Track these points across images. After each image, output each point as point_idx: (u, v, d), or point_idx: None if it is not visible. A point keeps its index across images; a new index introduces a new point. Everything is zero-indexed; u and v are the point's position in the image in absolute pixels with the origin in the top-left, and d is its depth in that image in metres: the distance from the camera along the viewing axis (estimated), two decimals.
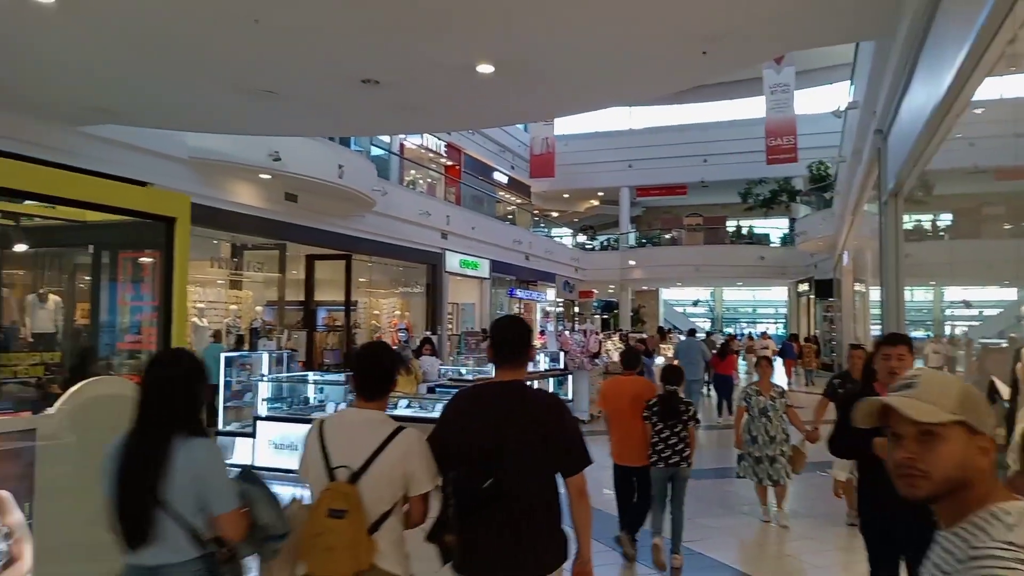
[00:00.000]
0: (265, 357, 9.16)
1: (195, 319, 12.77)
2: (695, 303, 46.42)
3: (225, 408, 8.82)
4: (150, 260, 5.07)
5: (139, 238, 5.13)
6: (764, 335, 25.67)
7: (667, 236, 33.28)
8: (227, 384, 9.11)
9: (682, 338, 17.17)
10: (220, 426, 8.68)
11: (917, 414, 1.38)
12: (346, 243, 15.69)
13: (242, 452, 8.37)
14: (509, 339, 2.90)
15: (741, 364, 20.19)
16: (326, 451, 2.67)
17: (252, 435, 8.28)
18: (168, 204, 4.68)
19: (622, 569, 5.70)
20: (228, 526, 2.49)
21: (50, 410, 4.21)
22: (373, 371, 2.82)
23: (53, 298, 7.69)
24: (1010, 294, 8.15)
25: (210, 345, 11.74)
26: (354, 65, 7.07)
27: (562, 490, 2.78)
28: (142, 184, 4.60)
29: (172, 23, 6.01)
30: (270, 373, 9.25)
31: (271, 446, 8.13)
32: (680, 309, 45.50)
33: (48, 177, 4.12)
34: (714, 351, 15.43)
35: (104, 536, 4.33)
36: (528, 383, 3.06)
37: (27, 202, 4.55)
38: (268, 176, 12.62)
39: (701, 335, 22.24)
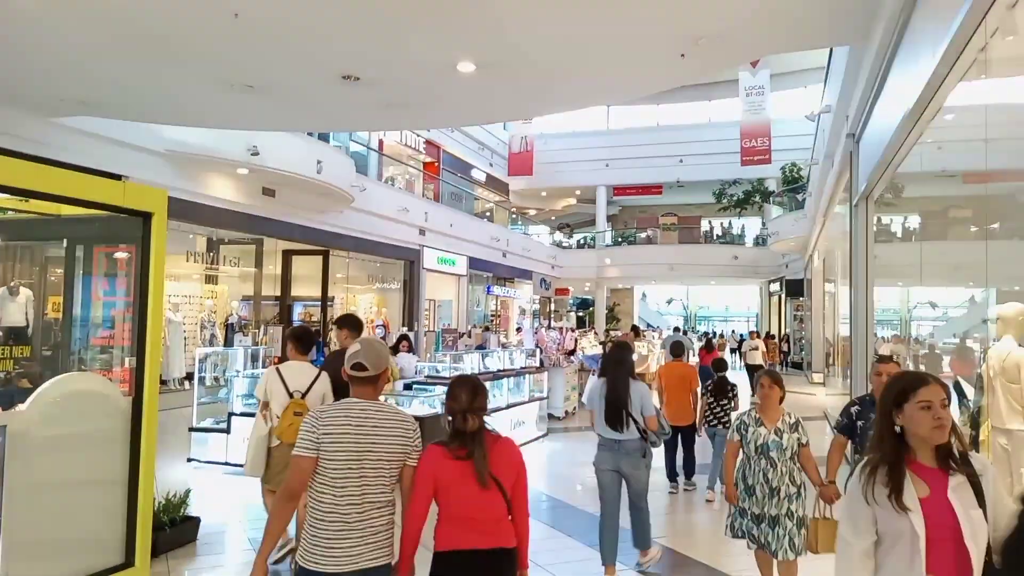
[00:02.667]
0: (240, 353, 9.08)
1: (169, 313, 12.63)
2: (668, 301, 46.83)
3: (200, 404, 8.73)
4: (126, 255, 5.02)
5: (115, 232, 5.07)
6: (753, 334, 21.48)
7: (643, 235, 33.53)
8: (201, 380, 9.03)
9: (657, 337, 17.54)
10: (194, 422, 8.60)
11: None
12: (324, 238, 15.60)
13: (216, 448, 8.30)
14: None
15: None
16: (285, 383, 5.26)
17: (227, 431, 8.22)
18: (145, 199, 4.63)
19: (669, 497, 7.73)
20: (650, 422, 5.29)
21: (22, 406, 4.15)
22: (305, 339, 5.46)
23: (25, 291, 7.56)
24: (976, 296, 8.34)
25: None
26: (334, 61, 7.04)
27: None
28: (117, 177, 4.53)
29: (150, 14, 5.94)
30: (245, 369, 9.18)
31: (246, 442, 8.07)
32: (654, 307, 45.87)
33: (22, 170, 4.05)
34: (701, 346, 15.85)
35: (74, 533, 4.29)
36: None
37: None
38: (246, 171, 12.51)
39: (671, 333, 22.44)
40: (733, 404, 7.86)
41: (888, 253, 9.66)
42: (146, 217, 4.65)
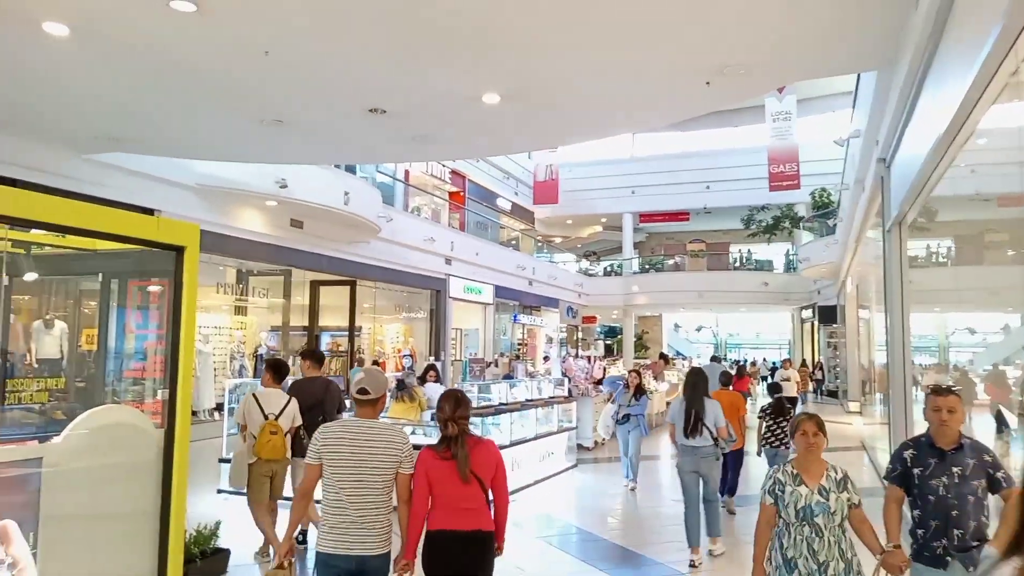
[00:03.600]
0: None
1: (199, 344, 12.79)
2: (698, 329, 46.35)
3: (229, 435, 8.77)
4: (158, 288, 5.10)
5: (148, 266, 5.16)
6: (787, 362, 19.96)
7: (670, 262, 33.34)
8: (231, 411, 9.08)
9: (688, 365, 17.42)
10: (224, 453, 8.64)
11: None
12: (351, 269, 15.74)
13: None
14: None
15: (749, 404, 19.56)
16: (261, 407, 6.05)
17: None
18: (178, 233, 4.70)
19: (726, 519, 7.97)
20: (721, 432, 6.63)
21: (57, 439, 4.21)
22: (281, 370, 6.34)
23: (59, 324, 7.71)
24: (1014, 320, 8.12)
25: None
26: (361, 95, 7.15)
27: None
28: (150, 211, 4.65)
29: (183, 54, 6.11)
30: None
31: None
32: (683, 335, 45.44)
33: (58, 207, 4.14)
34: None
35: (107, 565, 4.31)
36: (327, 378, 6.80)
37: (35, 231, 4.58)
38: (274, 203, 12.72)
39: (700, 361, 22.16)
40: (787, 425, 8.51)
41: (923, 278, 9.47)
42: (179, 251, 4.71)
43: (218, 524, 5.90)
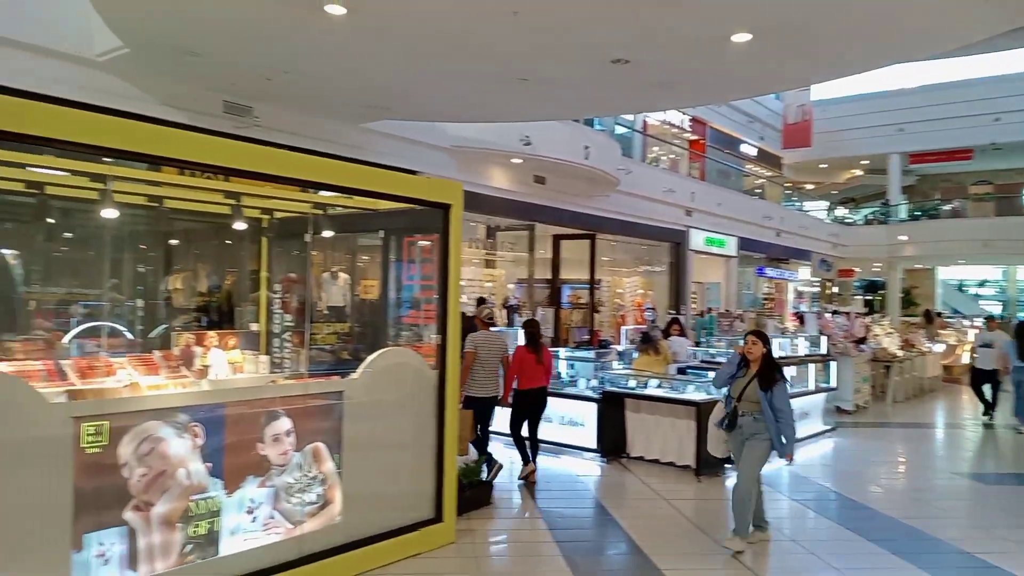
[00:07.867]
0: (521, 332, 9.64)
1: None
2: (981, 283, 40.41)
3: None
4: (428, 243, 5.60)
5: (418, 224, 5.69)
6: (992, 321, 13.02)
7: (947, 207, 29.28)
8: None
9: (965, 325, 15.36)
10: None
11: None
12: (590, 222, 15.98)
13: (501, 419, 8.92)
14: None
15: None
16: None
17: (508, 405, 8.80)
18: (445, 192, 5.11)
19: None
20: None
21: (354, 375, 4.85)
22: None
23: (343, 276, 8.80)
24: None
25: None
26: (604, 46, 7.10)
27: None
28: (413, 173, 5.08)
29: (442, 24, 6.51)
30: None
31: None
32: (961, 290, 39.92)
33: (347, 171, 4.70)
34: None
35: (395, 488, 4.91)
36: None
37: (323, 192, 5.23)
38: (519, 160, 13.23)
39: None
40: None
41: None
42: (446, 208, 5.13)
43: (482, 459, 6.43)
